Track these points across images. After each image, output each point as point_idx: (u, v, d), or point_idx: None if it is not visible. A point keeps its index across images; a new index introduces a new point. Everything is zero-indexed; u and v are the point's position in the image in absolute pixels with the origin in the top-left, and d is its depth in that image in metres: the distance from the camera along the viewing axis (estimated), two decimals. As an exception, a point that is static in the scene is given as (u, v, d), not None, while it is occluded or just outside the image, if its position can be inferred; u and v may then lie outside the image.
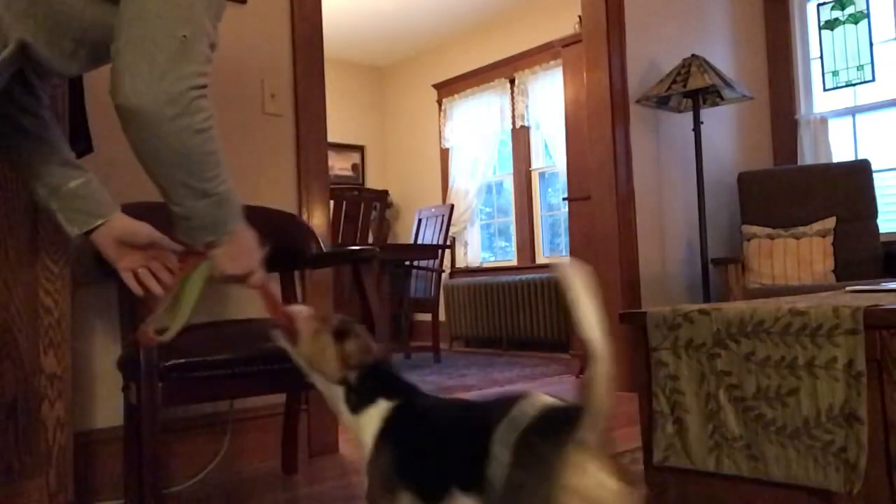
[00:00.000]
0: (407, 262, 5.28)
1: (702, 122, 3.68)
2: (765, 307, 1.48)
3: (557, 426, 0.92)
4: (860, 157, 4.18)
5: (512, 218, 6.51)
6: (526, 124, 6.22)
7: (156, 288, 1.31)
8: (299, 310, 1.26)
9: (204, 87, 1.06)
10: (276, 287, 1.36)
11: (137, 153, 1.07)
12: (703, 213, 3.65)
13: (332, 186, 3.31)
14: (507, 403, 0.99)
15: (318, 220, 2.64)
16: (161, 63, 1.01)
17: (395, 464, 1.09)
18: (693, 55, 3.61)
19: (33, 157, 1.28)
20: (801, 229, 3.78)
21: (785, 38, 4.49)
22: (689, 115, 3.76)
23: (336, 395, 1.19)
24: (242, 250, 1.23)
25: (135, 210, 1.95)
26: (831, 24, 4.38)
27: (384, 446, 1.11)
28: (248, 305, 2.34)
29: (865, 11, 4.25)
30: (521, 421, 0.95)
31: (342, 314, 1.26)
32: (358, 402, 1.16)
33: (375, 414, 1.13)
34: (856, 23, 4.29)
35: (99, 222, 1.30)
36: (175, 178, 1.09)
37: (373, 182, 7.28)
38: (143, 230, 1.33)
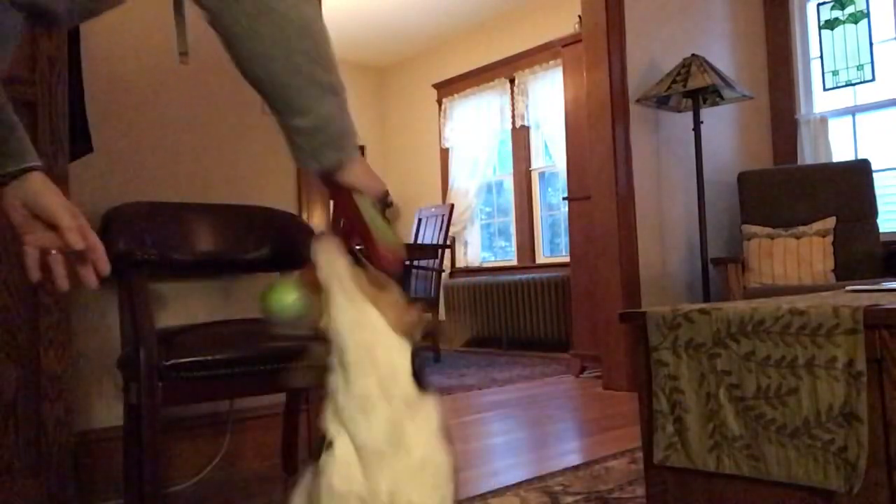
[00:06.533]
0: (407, 262, 5.28)
1: (702, 122, 3.68)
2: (765, 307, 1.48)
3: None
4: (860, 156, 4.18)
5: (512, 218, 6.50)
6: (526, 124, 6.22)
7: (62, 282, 0.90)
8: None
9: None
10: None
11: (249, 46, 0.81)
12: (703, 213, 3.65)
13: (332, 186, 3.30)
14: None
15: (318, 220, 2.64)
16: None
17: None
18: (693, 55, 3.61)
19: None
20: (801, 229, 3.78)
21: (785, 38, 4.49)
22: (689, 115, 3.76)
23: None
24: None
25: (135, 210, 1.95)
26: (831, 24, 4.38)
27: None
28: (249, 305, 2.35)
29: (865, 11, 4.25)
30: None
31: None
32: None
33: None
34: (856, 22, 4.29)
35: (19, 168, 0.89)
36: (301, 71, 0.84)
37: (373, 182, 7.28)
38: (57, 203, 0.89)
